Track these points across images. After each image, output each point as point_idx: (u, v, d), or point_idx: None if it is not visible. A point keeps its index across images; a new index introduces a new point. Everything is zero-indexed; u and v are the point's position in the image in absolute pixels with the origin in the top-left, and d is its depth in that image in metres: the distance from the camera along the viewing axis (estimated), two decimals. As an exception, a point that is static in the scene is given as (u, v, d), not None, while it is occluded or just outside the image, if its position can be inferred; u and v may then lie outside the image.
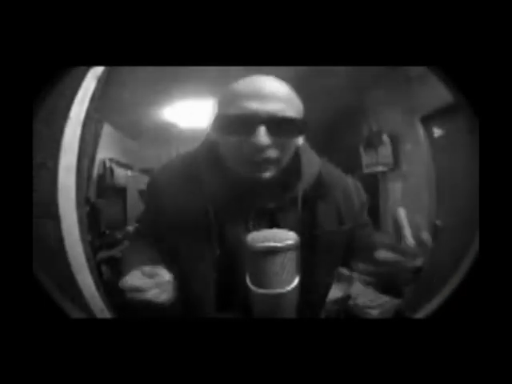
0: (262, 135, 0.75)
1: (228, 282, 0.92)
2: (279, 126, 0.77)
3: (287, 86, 0.83)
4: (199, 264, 0.91)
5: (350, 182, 1.03)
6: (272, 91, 0.78)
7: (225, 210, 0.89)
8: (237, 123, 0.77)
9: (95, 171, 4.04)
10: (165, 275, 0.80)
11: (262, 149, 0.77)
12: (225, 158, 0.86)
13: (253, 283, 0.80)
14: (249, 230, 0.86)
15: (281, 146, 0.80)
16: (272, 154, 0.79)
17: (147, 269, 0.79)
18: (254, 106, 0.76)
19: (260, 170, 0.81)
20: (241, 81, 0.81)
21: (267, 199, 0.89)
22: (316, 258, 0.92)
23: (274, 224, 0.87)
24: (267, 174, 0.82)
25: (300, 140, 0.89)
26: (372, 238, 1.01)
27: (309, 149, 0.97)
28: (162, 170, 0.99)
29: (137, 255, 0.92)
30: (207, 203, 0.88)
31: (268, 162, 0.80)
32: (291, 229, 0.82)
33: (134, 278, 0.77)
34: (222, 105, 0.83)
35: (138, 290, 0.76)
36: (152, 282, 0.77)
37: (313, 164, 0.94)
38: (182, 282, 0.89)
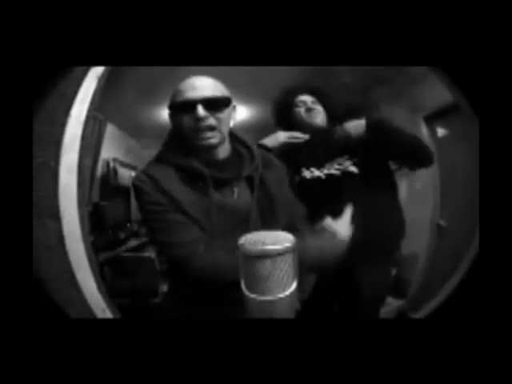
0: (200, 109, 1.05)
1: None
2: (210, 103, 1.07)
3: (211, 79, 1.13)
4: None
5: (279, 163, 1.33)
6: (201, 84, 1.09)
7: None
8: (184, 106, 1.08)
9: (99, 171, 4.05)
10: None
11: (201, 118, 1.06)
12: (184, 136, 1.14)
13: (246, 287, 0.78)
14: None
15: (216, 117, 1.09)
16: (211, 122, 1.08)
17: None
18: (191, 94, 1.07)
19: (205, 136, 1.09)
20: (182, 82, 1.12)
21: (233, 170, 1.17)
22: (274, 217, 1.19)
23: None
24: (213, 140, 1.10)
25: (234, 117, 1.19)
26: None
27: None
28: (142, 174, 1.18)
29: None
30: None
31: (209, 128, 1.08)
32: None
33: None
34: (173, 98, 1.13)
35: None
36: None
37: (256, 150, 1.26)
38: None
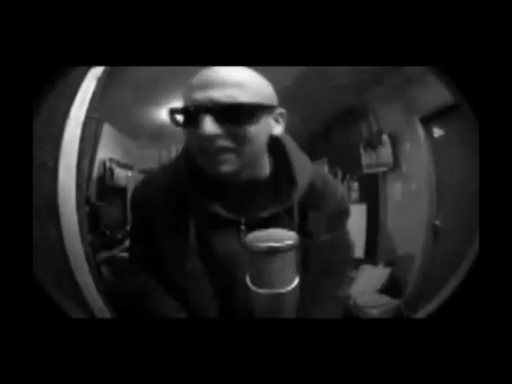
0: (207, 124, 0.71)
1: (228, 289, 0.91)
2: (227, 113, 0.73)
3: (251, 72, 0.79)
4: (197, 282, 0.90)
5: (340, 190, 1.01)
6: (220, 79, 0.74)
7: (210, 220, 0.87)
8: (185, 115, 0.76)
9: (95, 171, 4.05)
10: None
11: (209, 138, 0.73)
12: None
13: (253, 283, 0.80)
14: (239, 241, 0.86)
15: (235, 135, 0.75)
16: (225, 143, 0.75)
17: None
18: (199, 95, 0.73)
19: (217, 161, 0.77)
20: (198, 73, 0.78)
21: (259, 207, 0.87)
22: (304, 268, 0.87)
23: None
24: (227, 167, 0.77)
25: (277, 129, 0.84)
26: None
27: (300, 153, 0.94)
28: (143, 182, 0.96)
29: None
30: (188, 215, 0.86)
31: (223, 152, 0.76)
32: None
33: None
34: (181, 99, 0.80)
35: None
36: None
37: (306, 170, 0.91)
38: (183, 298, 0.91)
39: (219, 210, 0.86)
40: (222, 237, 0.88)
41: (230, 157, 0.76)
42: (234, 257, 0.86)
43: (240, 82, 0.75)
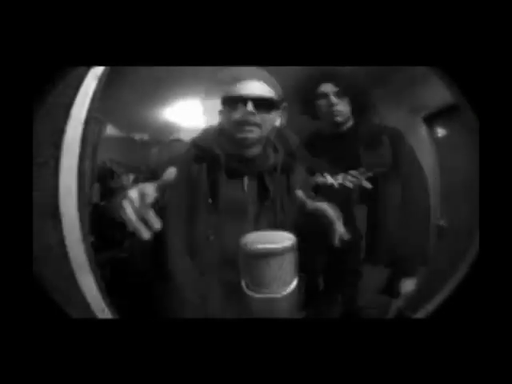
0: (251, 107, 1.13)
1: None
2: (260, 102, 1.16)
3: (267, 73, 1.21)
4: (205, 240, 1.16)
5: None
6: (254, 85, 1.18)
7: (224, 172, 1.23)
8: (235, 101, 1.16)
9: (96, 172, 4.05)
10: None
11: (251, 114, 1.14)
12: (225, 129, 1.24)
13: (249, 288, 0.79)
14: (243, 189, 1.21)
15: (262, 117, 1.17)
16: (257, 119, 1.15)
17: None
18: (243, 90, 1.16)
19: (248, 130, 1.16)
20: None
21: (256, 166, 1.25)
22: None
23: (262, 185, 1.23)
24: (252, 135, 1.17)
25: (277, 121, 1.26)
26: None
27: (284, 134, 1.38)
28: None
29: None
30: (209, 170, 1.23)
31: (254, 124, 1.16)
32: (273, 189, 1.21)
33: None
34: (224, 88, 1.22)
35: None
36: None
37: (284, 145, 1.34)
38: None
39: (235, 165, 1.23)
40: (231, 185, 1.22)
41: (256, 129, 1.17)
42: (240, 202, 1.21)
43: (268, 82, 1.19)
